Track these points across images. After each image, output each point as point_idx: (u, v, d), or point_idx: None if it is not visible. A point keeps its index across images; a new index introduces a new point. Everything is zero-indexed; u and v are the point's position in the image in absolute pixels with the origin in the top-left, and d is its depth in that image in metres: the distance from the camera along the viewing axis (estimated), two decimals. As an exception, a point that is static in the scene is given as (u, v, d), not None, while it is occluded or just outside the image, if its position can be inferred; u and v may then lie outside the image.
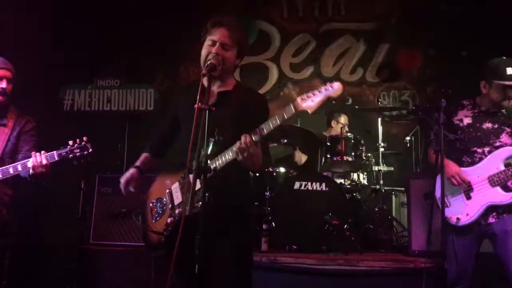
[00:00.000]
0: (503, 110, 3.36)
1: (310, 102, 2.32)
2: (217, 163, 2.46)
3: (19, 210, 3.41)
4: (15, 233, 3.41)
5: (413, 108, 5.21)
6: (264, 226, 4.50)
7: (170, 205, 2.61)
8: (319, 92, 2.33)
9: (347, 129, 5.39)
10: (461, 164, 3.38)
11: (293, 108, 2.34)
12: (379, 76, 6.62)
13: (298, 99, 2.34)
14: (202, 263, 2.23)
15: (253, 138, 2.36)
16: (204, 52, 2.60)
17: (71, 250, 4.62)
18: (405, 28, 6.44)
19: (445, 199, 3.26)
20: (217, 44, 2.57)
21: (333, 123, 5.80)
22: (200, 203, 2.37)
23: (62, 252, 4.63)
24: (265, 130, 2.37)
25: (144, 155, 2.93)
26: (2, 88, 3.26)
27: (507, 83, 3.25)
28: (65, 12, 6.14)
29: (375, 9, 6.63)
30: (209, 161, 2.41)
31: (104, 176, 4.94)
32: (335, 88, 2.32)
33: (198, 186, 2.40)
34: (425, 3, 6.40)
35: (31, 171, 3.00)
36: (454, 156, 3.39)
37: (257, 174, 4.90)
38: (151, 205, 2.72)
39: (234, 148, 2.37)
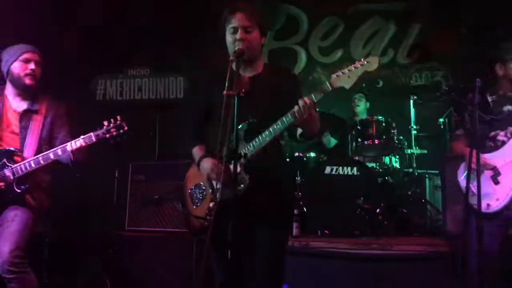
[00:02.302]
0: None
1: (347, 78, 2.31)
2: (253, 144, 2.47)
3: (58, 197, 3.48)
4: (53, 219, 3.50)
5: (446, 89, 5.10)
6: (295, 211, 4.50)
7: (211, 190, 2.61)
8: (354, 67, 2.31)
9: (367, 105, 5.32)
10: (484, 149, 3.31)
11: (329, 85, 2.32)
12: (410, 57, 6.48)
13: (334, 76, 2.33)
14: (235, 249, 2.27)
15: (314, 99, 2.33)
16: (229, 40, 2.63)
17: (107, 237, 4.74)
18: (436, 7, 6.27)
19: (472, 188, 3.17)
20: (239, 29, 2.59)
21: (354, 104, 5.73)
22: (242, 185, 2.42)
23: (98, 239, 4.75)
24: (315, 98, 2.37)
25: (197, 148, 2.78)
26: (31, 69, 3.30)
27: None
28: (94, 3, 6.21)
29: (404, -12, 6.47)
30: (244, 143, 2.47)
31: (137, 164, 5.02)
32: (371, 62, 2.30)
33: (237, 170, 2.41)
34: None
35: (71, 155, 3.05)
36: (479, 142, 3.30)
37: (288, 160, 4.93)
38: (189, 191, 2.74)
39: (294, 109, 2.33)
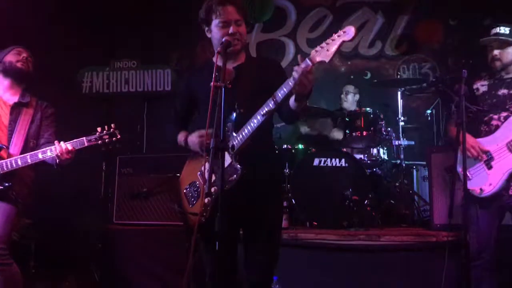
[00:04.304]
0: None
1: (326, 51, 2.28)
2: (242, 134, 2.47)
3: (41, 192, 3.47)
4: (37, 214, 3.49)
5: (434, 80, 5.12)
6: (284, 203, 4.51)
7: (205, 186, 2.58)
8: (332, 40, 2.28)
9: (356, 98, 5.33)
10: (478, 134, 3.34)
11: (309, 61, 2.31)
12: (398, 49, 6.50)
13: (313, 52, 2.31)
14: (223, 240, 2.25)
15: (309, 64, 2.30)
16: (218, 34, 2.59)
17: (95, 231, 4.71)
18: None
19: (466, 172, 3.21)
20: (232, 23, 2.57)
21: (343, 96, 5.74)
22: (234, 176, 2.43)
23: (86, 233, 4.73)
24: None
25: (181, 134, 2.77)
26: (23, 57, 3.37)
27: (484, 40, 3.37)
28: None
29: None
30: (234, 134, 2.48)
31: (124, 157, 4.98)
32: (348, 31, 2.26)
33: (228, 161, 2.44)
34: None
35: (59, 157, 3.06)
36: (471, 127, 3.33)
37: (276, 152, 4.92)
38: (185, 191, 2.72)
39: (294, 74, 2.31)
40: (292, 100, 2.45)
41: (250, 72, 2.64)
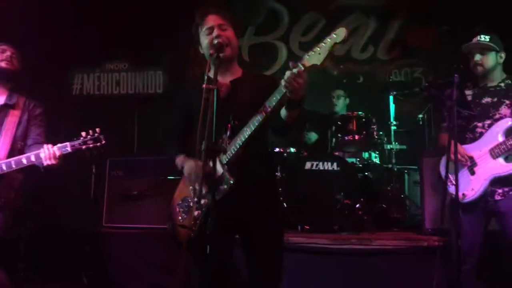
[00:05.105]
0: (502, 84, 3.38)
1: (318, 55, 2.29)
2: (235, 144, 2.46)
3: (30, 195, 3.42)
4: (25, 217, 3.44)
5: (425, 85, 5.13)
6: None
7: (196, 199, 2.56)
8: (324, 43, 2.30)
9: (347, 101, 5.40)
10: (464, 141, 3.37)
11: (301, 66, 2.31)
12: (390, 54, 6.52)
13: (305, 56, 2.32)
14: (214, 245, 2.25)
15: (301, 67, 2.31)
16: (205, 41, 2.61)
17: (84, 234, 4.66)
18: (416, 4, 6.30)
19: (450, 177, 3.25)
20: (215, 27, 2.59)
21: (334, 100, 5.74)
22: (225, 186, 2.42)
23: (75, 236, 4.67)
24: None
25: (181, 157, 2.74)
26: (7, 55, 3.27)
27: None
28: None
29: (386, -15, 6.49)
30: (227, 145, 2.47)
31: (115, 159, 4.95)
32: (338, 33, 2.28)
33: (220, 171, 2.43)
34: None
35: (44, 162, 2.99)
36: (458, 135, 3.34)
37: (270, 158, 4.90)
38: (177, 207, 2.70)
39: (282, 82, 2.32)
40: (283, 110, 2.45)
41: (246, 86, 2.63)
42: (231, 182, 2.42)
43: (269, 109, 2.39)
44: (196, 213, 2.49)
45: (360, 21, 6.56)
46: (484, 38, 3.38)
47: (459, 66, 3.35)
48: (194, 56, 2.87)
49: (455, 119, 3.11)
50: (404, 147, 5.45)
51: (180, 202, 2.69)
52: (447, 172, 3.22)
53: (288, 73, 2.31)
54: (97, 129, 3.01)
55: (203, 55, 2.70)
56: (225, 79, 2.63)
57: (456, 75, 3.16)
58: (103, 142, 2.99)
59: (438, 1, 6.15)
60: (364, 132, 5.05)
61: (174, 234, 2.70)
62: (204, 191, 2.41)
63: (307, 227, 4.53)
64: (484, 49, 3.37)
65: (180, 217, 2.66)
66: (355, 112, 5.16)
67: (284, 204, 4.62)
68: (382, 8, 6.50)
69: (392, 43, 6.50)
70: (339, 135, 5.10)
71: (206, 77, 2.37)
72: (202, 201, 2.46)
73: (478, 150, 3.30)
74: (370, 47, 6.54)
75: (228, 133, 2.50)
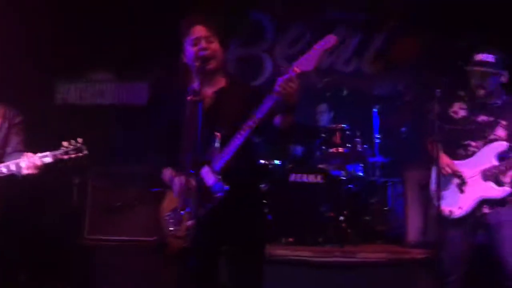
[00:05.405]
0: (499, 101, 3.31)
1: (307, 61, 2.35)
2: (225, 153, 2.45)
3: (9, 205, 3.36)
4: (4, 228, 3.37)
5: (409, 98, 5.19)
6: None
7: (187, 209, 2.54)
8: (314, 50, 2.36)
9: (331, 115, 5.46)
10: (455, 157, 3.34)
11: (292, 72, 2.34)
12: (374, 67, 6.58)
13: (295, 64, 2.36)
14: (201, 257, 2.27)
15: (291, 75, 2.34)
16: (191, 52, 2.60)
17: (66, 246, 4.60)
18: (400, 17, 6.38)
19: (434, 190, 3.24)
20: (201, 39, 2.58)
21: (317, 116, 5.76)
22: (219, 194, 2.42)
23: (57, 248, 4.60)
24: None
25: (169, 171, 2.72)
26: None
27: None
28: (57, 4, 6.05)
29: (370, -1, 6.57)
30: (219, 153, 2.46)
31: (97, 170, 4.89)
32: (328, 39, 2.36)
33: (212, 180, 2.43)
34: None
35: (24, 171, 2.94)
36: (448, 149, 3.35)
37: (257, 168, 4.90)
38: (166, 218, 2.66)
39: (275, 88, 2.35)
40: (277, 117, 2.47)
41: (231, 96, 2.63)
42: (226, 189, 2.43)
43: (259, 118, 2.41)
44: (189, 223, 2.45)
45: (344, 34, 6.62)
46: (487, 57, 3.26)
47: (443, 80, 3.35)
48: (178, 67, 2.86)
49: (438, 133, 3.13)
50: (388, 160, 5.49)
51: (170, 213, 2.66)
52: (439, 183, 3.17)
53: (280, 79, 2.35)
54: (79, 139, 2.96)
55: (186, 64, 2.69)
56: (208, 90, 2.62)
57: (437, 90, 3.17)
58: (85, 152, 2.95)
59: (423, 14, 6.23)
60: (348, 145, 5.07)
61: (164, 245, 2.68)
62: (195, 202, 2.40)
63: (291, 239, 4.53)
64: (488, 72, 3.26)
65: (171, 228, 2.63)
66: (339, 125, 5.18)
67: (269, 216, 4.61)
68: (366, 22, 6.57)
69: (377, 55, 6.56)
70: (323, 147, 5.12)
71: (191, 89, 2.38)
72: (194, 212, 2.42)
73: (469, 169, 3.26)
74: (354, 59, 6.59)
75: (217, 143, 2.49)
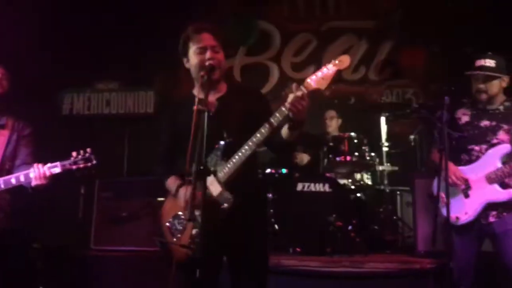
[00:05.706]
0: (501, 107, 3.33)
1: (321, 80, 2.35)
2: (233, 162, 2.45)
3: (18, 216, 3.35)
4: (13, 238, 3.37)
5: (416, 106, 5.14)
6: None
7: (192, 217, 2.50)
8: (327, 68, 2.36)
9: (339, 122, 5.44)
10: (459, 162, 3.34)
11: (304, 89, 2.34)
12: (382, 75, 6.56)
13: (308, 79, 2.36)
14: (203, 267, 2.21)
15: (305, 90, 2.35)
16: (196, 60, 2.59)
17: (72, 256, 4.58)
18: (408, 25, 6.36)
19: (443, 198, 3.21)
20: (208, 49, 2.57)
21: (327, 121, 5.74)
22: (226, 205, 2.42)
23: (63, 258, 4.59)
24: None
25: (172, 179, 2.72)
26: None
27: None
28: (62, 14, 6.10)
29: (377, 7, 6.56)
30: (224, 162, 2.47)
31: (104, 180, 4.89)
32: (343, 60, 2.37)
33: (218, 189, 2.43)
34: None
35: (33, 182, 2.93)
36: (452, 155, 3.32)
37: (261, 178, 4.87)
38: (168, 224, 2.64)
39: (286, 104, 2.35)
40: (285, 129, 2.47)
41: (233, 102, 2.63)
42: (232, 199, 2.42)
43: (273, 127, 2.41)
44: (194, 231, 2.41)
45: (351, 42, 6.62)
46: (489, 63, 3.29)
47: (450, 87, 3.34)
48: (183, 76, 2.86)
49: (446, 141, 3.10)
50: (396, 168, 5.43)
51: (171, 219, 2.64)
52: (438, 192, 3.18)
53: (291, 96, 2.35)
54: (88, 149, 2.95)
55: (189, 70, 2.68)
56: (211, 97, 2.61)
57: (446, 97, 3.15)
58: (94, 162, 2.94)
59: (429, 22, 6.21)
60: (356, 153, 5.03)
61: (167, 254, 2.65)
62: (199, 213, 2.36)
63: (299, 250, 4.48)
64: (488, 76, 3.29)
65: (173, 236, 2.61)
66: (346, 133, 5.15)
67: (276, 226, 4.57)
68: (373, 30, 6.56)
69: (384, 64, 6.54)
70: (330, 156, 5.08)
71: (196, 98, 2.36)
72: (197, 212, 2.37)
73: (473, 173, 3.26)
74: (361, 68, 6.57)
75: (222, 151, 2.49)
